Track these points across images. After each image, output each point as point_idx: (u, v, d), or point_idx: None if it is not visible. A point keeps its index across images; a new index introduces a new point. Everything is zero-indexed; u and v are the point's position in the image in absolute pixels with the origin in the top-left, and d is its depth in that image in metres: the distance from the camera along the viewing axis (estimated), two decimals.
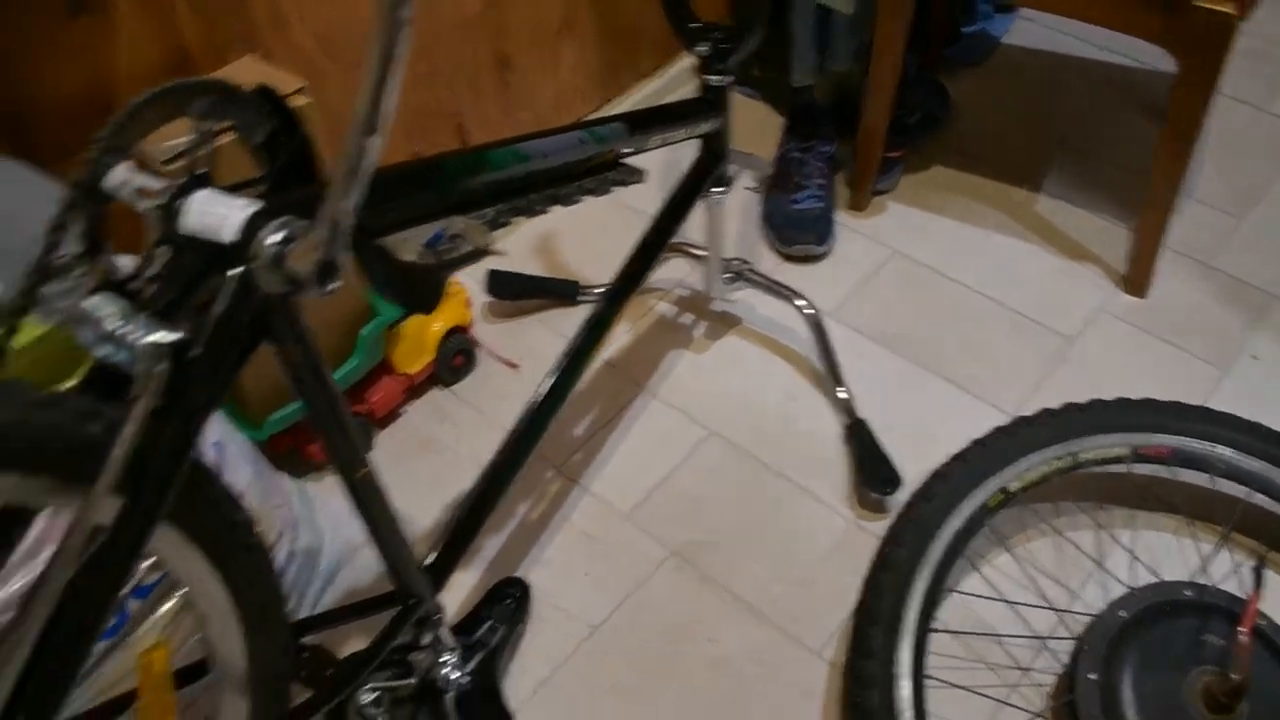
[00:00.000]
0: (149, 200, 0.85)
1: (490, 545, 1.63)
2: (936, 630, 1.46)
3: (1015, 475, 1.51)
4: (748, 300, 1.94)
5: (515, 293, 1.94)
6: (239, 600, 0.99)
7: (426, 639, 1.35)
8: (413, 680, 1.42)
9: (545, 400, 1.43)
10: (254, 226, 0.82)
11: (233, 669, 1.06)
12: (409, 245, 0.97)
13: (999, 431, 1.55)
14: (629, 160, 1.40)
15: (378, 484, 1.11)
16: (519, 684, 1.49)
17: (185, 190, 0.84)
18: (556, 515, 1.68)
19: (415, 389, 1.82)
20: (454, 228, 0.98)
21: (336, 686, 1.25)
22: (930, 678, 1.42)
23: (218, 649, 1.04)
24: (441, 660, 1.40)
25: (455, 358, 1.83)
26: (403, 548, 1.20)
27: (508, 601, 1.54)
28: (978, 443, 1.55)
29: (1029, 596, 1.55)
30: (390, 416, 1.80)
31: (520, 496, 1.69)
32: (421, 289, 1.02)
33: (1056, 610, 1.52)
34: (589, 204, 2.13)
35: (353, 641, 1.52)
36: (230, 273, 0.83)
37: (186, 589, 0.97)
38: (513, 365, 1.87)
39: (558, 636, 1.55)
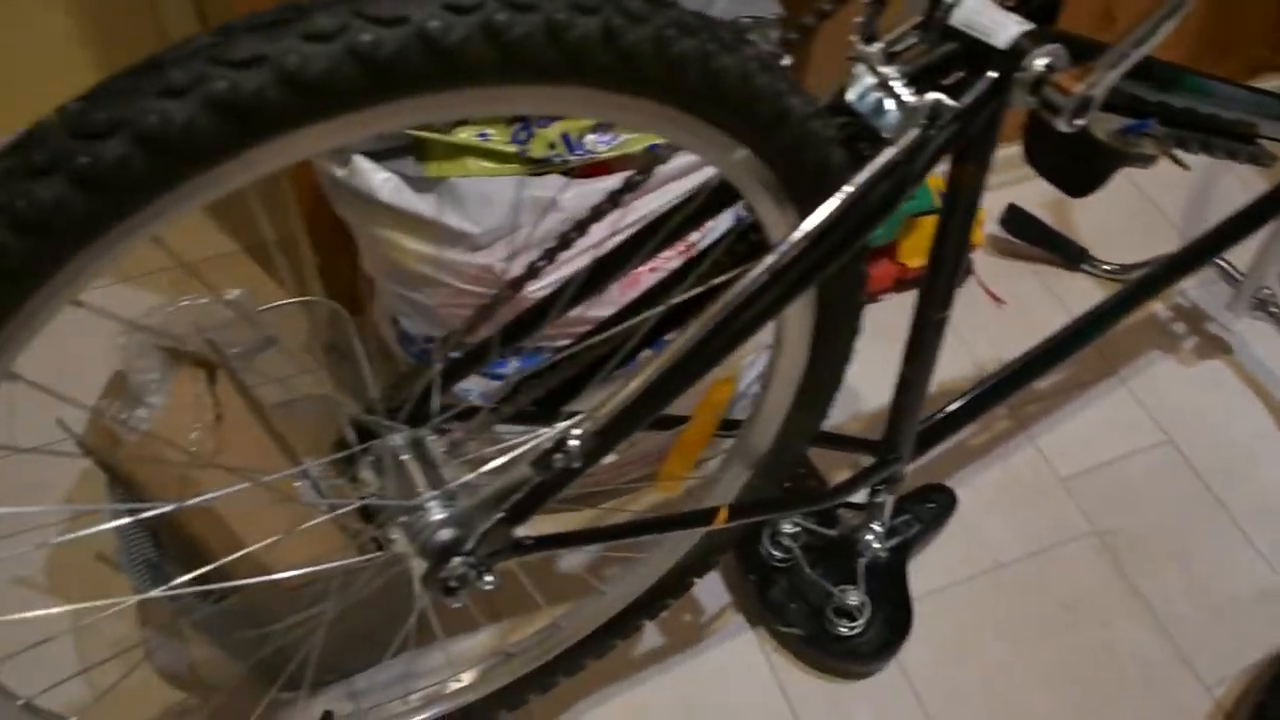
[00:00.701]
0: None
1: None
2: None
3: None
4: (1247, 333, 1.87)
5: (1025, 234, 1.93)
6: (810, 376, 1.05)
7: (879, 498, 1.39)
8: (833, 533, 1.48)
9: (1045, 354, 1.42)
10: (1026, 43, 0.86)
11: (761, 437, 1.12)
12: (1105, 124, 0.98)
13: None
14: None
15: (942, 334, 1.15)
16: (912, 583, 1.52)
17: None
18: (996, 450, 1.69)
19: (903, 283, 1.85)
20: (1152, 127, 0.99)
21: (796, 501, 1.31)
22: None
23: (762, 414, 1.10)
24: (871, 525, 1.45)
25: None
26: (920, 401, 1.24)
27: (931, 505, 1.57)
28: None
29: None
30: (869, 298, 1.83)
31: None
32: (1084, 170, 1.04)
33: None
34: (1113, 184, 2.11)
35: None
36: (990, 74, 0.87)
37: (778, 345, 1.04)
38: (999, 301, 1.88)
39: (962, 557, 1.57)
